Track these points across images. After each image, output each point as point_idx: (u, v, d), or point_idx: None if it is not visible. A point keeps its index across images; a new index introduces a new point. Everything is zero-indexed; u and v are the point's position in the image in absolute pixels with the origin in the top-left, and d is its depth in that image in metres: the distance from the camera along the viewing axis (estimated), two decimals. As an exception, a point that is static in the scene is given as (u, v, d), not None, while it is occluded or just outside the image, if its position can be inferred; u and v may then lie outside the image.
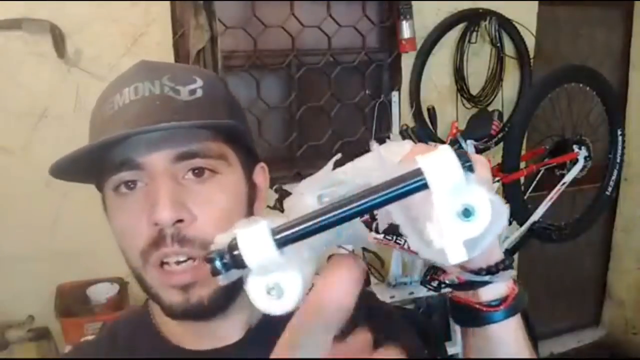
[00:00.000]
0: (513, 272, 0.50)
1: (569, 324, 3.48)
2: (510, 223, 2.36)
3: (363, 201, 0.40)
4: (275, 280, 0.41)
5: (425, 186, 0.38)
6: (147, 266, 0.60)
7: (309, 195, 0.52)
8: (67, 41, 2.02)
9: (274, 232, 0.41)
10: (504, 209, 0.40)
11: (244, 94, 2.41)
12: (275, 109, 2.49)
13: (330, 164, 0.51)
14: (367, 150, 0.53)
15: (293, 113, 2.51)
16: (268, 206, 1.98)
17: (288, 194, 1.95)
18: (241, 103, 0.69)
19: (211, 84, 0.63)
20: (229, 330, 0.66)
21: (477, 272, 0.49)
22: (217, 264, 0.41)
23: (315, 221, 0.41)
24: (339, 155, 0.54)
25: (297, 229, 0.41)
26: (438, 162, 0.38)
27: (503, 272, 0.49)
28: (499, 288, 0.50)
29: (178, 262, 0.58)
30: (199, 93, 0.60)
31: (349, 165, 0.54)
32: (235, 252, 0.41)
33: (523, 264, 3.14)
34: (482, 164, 0.45)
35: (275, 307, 0.41)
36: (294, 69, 2.46)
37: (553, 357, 3.30)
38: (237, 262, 0.41)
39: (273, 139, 2.49)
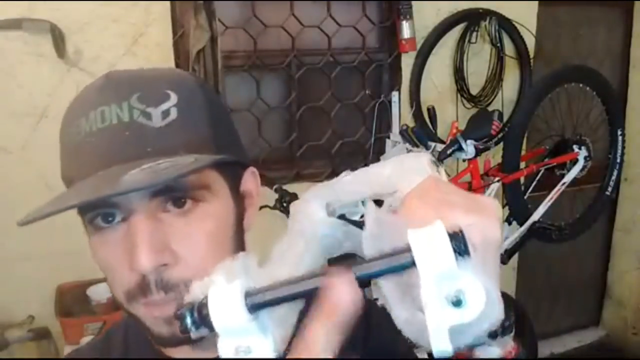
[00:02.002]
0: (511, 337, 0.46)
1: (569, 324, 3.48)
2: (510, 223, 2.36)
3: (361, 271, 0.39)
4: (244, 343, 0.40)
5: (413, 264, 0.36)
6: (133, 304, 0.56)
7: (315, 202, 0.51)
8: (67, 41, 2.02)
9: (248, 294, 0.39)
10: (499, 299, 0.37)
11: (244, 94, 2.42)
12: (275, 109, 2.49)
13: (342, 176, 0.50)
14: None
15: (293, 113, 2.51)
16: (267, 206, 1.98)
17: (288, 194, 1.95)
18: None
19: (187, 98, 0.55)
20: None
21: None
22: (187, 321, 0.39)
23: (291, 289, 0.40)
24: (348, 172, 0.53)
25: (271, 295, 0.39)
26: (428, 243, 0.35)
27: (502, 337, 0.44)
28: (494, 351, 0.46)
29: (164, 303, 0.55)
30: (173, 114, 0.54)
31: (357, 174, 0.53)
32: (204, 312, 0.39)
33: (523, 264, 3.14)
34: (492, 218, 0.41)
35: None
36: (294, 69, 2.46)
37: (553, 357, 3.30)
38: (206, 323, 0.39)
39: (273, 139, 2.49)
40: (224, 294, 0.39)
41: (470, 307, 0.36)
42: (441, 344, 0.35)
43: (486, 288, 0.36)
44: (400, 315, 0.39)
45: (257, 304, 0.40)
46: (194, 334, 0.40)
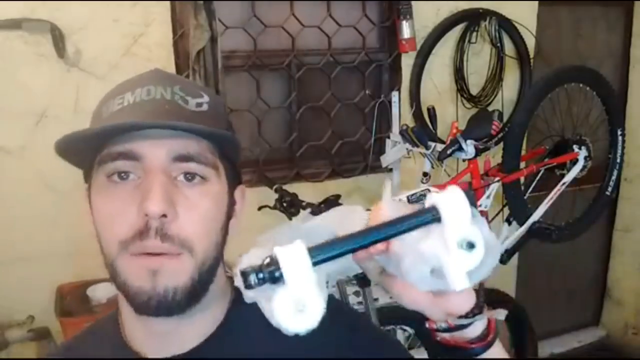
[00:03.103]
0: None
1: (569, 324, 3.48)
2: (510, 223, 2.36)
3: (387, 228, 0.47)
4: (302, 298, 0.45)
5: (438, 220, 0.45)
6: (124, 254, 0.60)
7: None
8: (67, 41, 2.02)
9: (310, 251, 0.46)
10: (498, 245, 0.47)
11: (244, 94, 2.42)
12: (275, 109, 2.49)
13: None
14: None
15: (293, 113, 2.51)
16: (267, 206, 1.98)
17: (288, 194, 1.95)
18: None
19: (215, 102, 0.67)
20: (187, 337, 0.68)
21: (464, 316, 0.55)
22: (252, 278, 0.45)
23: (347, 242, 0.47)
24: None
25: (331, 250, 0.46)
26: (451, 200, 0.45)
27: (481, 313, 0.56)
28: (480, 325, 0.57)
29: (154, 254, 0.60)
30: (205, 107, 0.65)
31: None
32: (272, 268, 0.45)
33: (523, 264, 3.14)
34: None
35: (299, 323, 0.45)
36: (294, 69, 2.46)
37: (553, 357, 3.30)
38: (274, 278, 0.45)
39: (273, 139, 2.49)
40: (292, 251, 0.45)
41: (478, 251, 0.45)
42: (461, 282, 0.45)
43: (485, 236, 0.45)
44: (413, 275, 0.49)
45: (319, 260, 0.46)
46: (252, 293, 0.45)
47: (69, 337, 0.80)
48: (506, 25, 2.71)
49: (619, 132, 2.57)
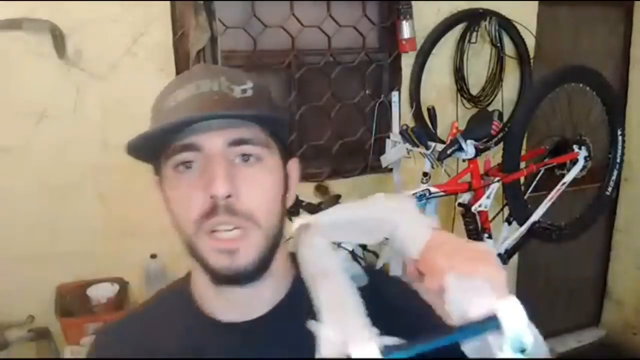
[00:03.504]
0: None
1: (569, 324, 3.48)
2: (510, 223, 2.36)
3: (450, 336, 0.51)
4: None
5: (498, 328, 0.50)
6: (200, 233, 0.68)
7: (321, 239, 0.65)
8: (67, 41, 2.02)
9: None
10: (544, 346, 0.53)
11: (244, 94, 2.41)
12: (275, 109, 2.49)
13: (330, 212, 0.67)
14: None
15: (293, 113, 2.51)
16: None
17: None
18: None
19: (259, 87, 0.73)
20: (259, 303, 0.75)
21: None
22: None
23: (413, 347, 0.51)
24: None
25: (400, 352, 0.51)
26: (511, 311, 0.50)
27: None
28: None
29: (226, 231, 0.68)
30: (249, 92, 0.71)
31: (346, 212, 0.67)
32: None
33: (523, 264, 3.14)
34: (492, 265, 0.58)
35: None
36: (294, 69, 2.46)
37: (553, 357, 3.30)
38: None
39: (273, 139, 2.49)
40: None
41: (528, 352, 0.50)
42: None
43: (535, 339, 0.51)
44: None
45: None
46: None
47: (138, 305, 0.86)
48: (506, 25, 2.71)
49: (619, 132, 2.57)
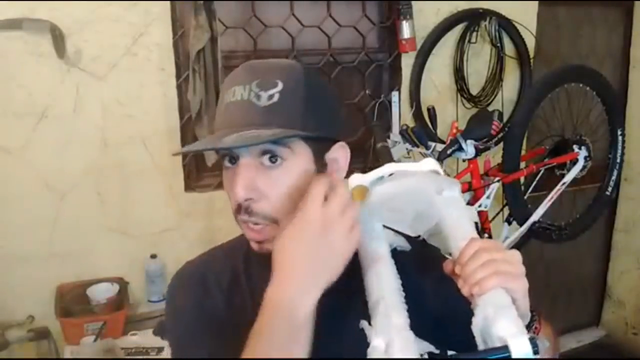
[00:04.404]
0: None
1: (569, 324, 3.48)
2: (510, 223, 2.36)
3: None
4: None
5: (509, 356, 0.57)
6: (238, 218, 0.82)
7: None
8: (67, 41, 2.02)
9: None
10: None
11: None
12: (275, 109, 2.49)
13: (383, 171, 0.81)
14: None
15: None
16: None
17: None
18: None
19: (290, 86, 0.78)
20: None
21: None
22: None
23: None
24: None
25: None
26: (520, 344, 0.57)
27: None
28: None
29: (253, 223, 0.80)
30: (276, 97, 0.77)
31: (401, 179, 0.78)
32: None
33: (523, 264, 3.13)
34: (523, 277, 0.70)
35: None
36: (294, 69, 2.45)
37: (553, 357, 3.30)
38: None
39: (273, 139, 2.49)
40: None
41: None
42: None
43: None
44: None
45: None
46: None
47: (195, 258, 0.96)
48: (506, 25, 2.71)
49: (619, 132, 2.57)
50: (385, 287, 0.71)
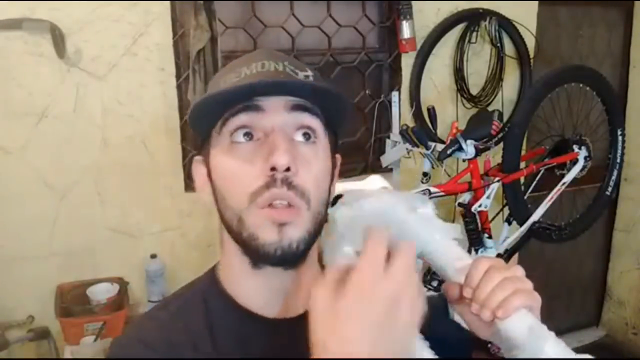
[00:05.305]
0: None
1: (569, 324, 3.47)
2: (510, 223, 2.36)
3: None
4: None
5: None
6: (252, 207, 0.65)
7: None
8: (67, 41, 2.02)
9: None
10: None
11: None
12: (275, 109, 2.49)
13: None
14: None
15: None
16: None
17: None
18: None
19: (318, 77, 0.73)
20: (301, 295, 0.72)
21: None
22: None
23: None
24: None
25: None
26: None
27: None
28: None
29: (281, 205, 0.65)
30: (311, 79, 0.71)
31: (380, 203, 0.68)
32: None
33: (523, 264, 3.12)
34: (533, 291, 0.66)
35: None
36: (294, 69, 2.45)
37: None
38: None
39: (273, 139, 2.49)
40: None
41: None
42: None
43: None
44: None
45: None
46: None
47: (160, 303, 0.79)
48: (506, 25, 2.71)
49: (619, 132, 2.57)
50: None
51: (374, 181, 0.75)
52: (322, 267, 0.74)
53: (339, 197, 0.68)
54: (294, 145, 0.67)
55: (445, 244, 0.67)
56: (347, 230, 0.65)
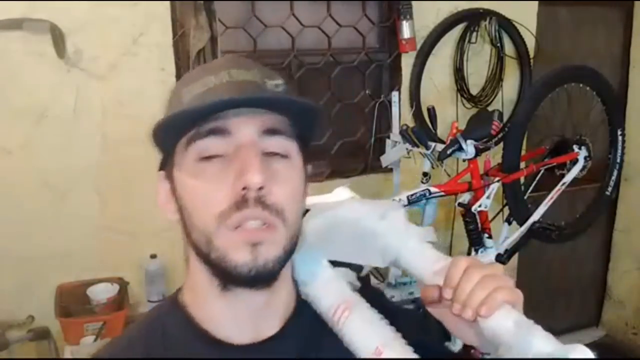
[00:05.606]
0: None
1: (569, 324, 3.47)
2: (510, 223, 2.36)
3: None
4: None
5: None
6: (221, 228, 0.61)
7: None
8: (67, 41, 2.02)
9: None
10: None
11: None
12: (275, 109, 2.49)
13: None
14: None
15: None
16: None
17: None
18: None
19: (288, 87, 0.68)
20: (270, 316, 0.69)
21: None
22: None
23: None
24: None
25: None
26: (585, 353, 0.53)
27: None
28: None
29: (256, 225, 0.62)
30: (282, 88, 0.65)
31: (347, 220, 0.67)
32: None
33: (523, 264, 3.14)
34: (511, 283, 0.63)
35: None
36: (294, 69, 2.46)
37: (553, 357, 3.30)
38: None
39: (273, 139, 2.49)
40: None
41: None
42: None
43: None
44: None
45: None
46: None
47: (120, 334, 0.76)
48: (506, 25, 2.71)
49: (619, 132, 2.57)
50: (385, 335, 0.62)
51: (341, 193, 0.74)
52: (294, 281, 0.72)
53: (306, 211, 0.67)
54: (266, 160, 0.62)
55: (419, 248, 0.66)
56: (319, 241, 0.64)
